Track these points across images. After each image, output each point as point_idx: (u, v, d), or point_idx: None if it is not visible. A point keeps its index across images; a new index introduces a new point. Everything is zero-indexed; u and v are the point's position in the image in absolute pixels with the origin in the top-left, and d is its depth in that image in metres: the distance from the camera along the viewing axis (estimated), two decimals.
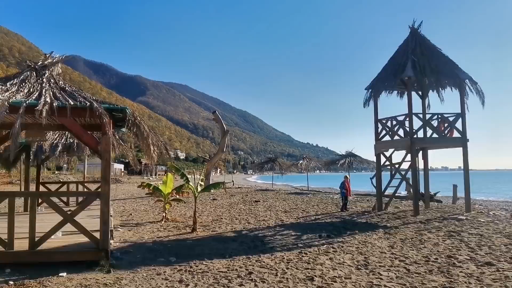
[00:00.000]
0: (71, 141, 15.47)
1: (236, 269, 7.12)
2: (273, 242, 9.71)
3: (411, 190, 21.31)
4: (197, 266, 7.38)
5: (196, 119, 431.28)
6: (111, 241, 9.71)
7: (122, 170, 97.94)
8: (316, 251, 8.56)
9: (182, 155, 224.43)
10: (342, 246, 9.00)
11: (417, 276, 6.44)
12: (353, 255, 8.12)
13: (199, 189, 11.69)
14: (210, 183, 30.76)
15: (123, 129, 8.86)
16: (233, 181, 41.15)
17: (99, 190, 9.03)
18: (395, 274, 6.61)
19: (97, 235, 7.62)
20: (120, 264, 7.64)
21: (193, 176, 13.00)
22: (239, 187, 38.48)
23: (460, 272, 6.61)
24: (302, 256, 8.09)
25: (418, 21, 15.64)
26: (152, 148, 7.94)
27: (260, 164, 45.25)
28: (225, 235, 10.86)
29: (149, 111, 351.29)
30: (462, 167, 14.97)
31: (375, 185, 26.24)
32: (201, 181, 11.81)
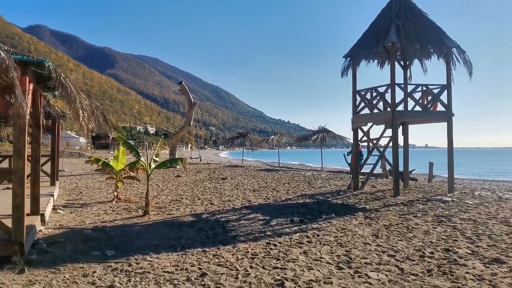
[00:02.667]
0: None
1: (187, 268, 5.60)
2: (237, 229, 8.21)
3: (387, 167, 20.37)
4: (137, 264, 5.82)
5: (167, 93, 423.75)
6: (42, 228, 8.04)
7: (88, 144, 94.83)
8: (287, 241, 7.11)
9: (152, 130, 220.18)
10: (318, 235, 7.59)
11: (415, 280, 5.06)
12: (331, 247, 6.71)
13: (153, 165, 10.02)
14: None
15: (57, 93, 7.11)
16: (200, 157, 39.43)
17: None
18: (387, 275, 5.22)
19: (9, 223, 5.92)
20: (41, 260, 6.01)
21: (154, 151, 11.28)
22: (207, 163, 36.84)
23: (466, 273, 5.27)
24: (271, 248, 6.63)
25: None
26: (81, 114, 6.23)
27: (230, 140, 43.60)
28: (182, 220, 9.30)
29: (118, 84, 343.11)
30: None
31: (349, 161, 25.29)
32: (156, 156, 10.14)
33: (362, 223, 8.71)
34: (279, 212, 10.18)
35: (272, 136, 37.85)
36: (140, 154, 9.90)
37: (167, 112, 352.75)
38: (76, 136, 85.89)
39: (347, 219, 9.16)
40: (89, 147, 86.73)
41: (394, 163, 13.01)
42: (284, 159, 44.05)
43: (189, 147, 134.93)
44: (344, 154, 26.55)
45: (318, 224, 8.66)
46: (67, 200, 12.71)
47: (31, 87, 6.26)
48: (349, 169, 25.90)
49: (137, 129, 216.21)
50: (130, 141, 10.90)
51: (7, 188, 13.03)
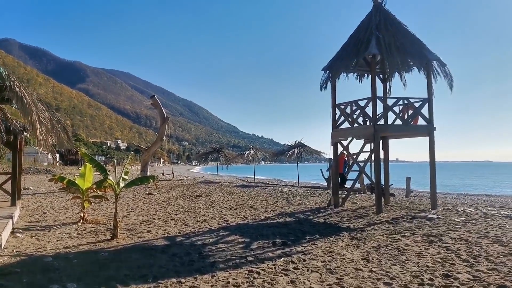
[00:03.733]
0: None
1: None
2: (215, 255, 7.48)
3: (365, 183, 20.01)
4: None
5: (139, 108, 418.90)
6: None
7: (57, 160, 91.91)
8: (271, 268, 6.44)
9: (123, 145, 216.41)
10: (304, 260, 6.94)
11: None
12: (321, 274, 6.07)
13: (121, 184, 9.22)
14: (148, 174, 28.07)
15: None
16: (173, 173, 38.36)
17: None
18: None
19: None
20: None
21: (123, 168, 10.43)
22: (180, 179, 35.81)
23: None
24: (254, 277, 5.94)
25: None
26: (39, 128, 5.46)
27: (204, 155, 42.76)
28: (154, 244, 8.50)
29: (88, 99, 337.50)
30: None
31: (326, 177, 24.89)
32: (125, 174, 9.34)
33: (349, 245, 8.12)
34: (260, 233, 9.50)
35: (248, 151, 37.28)
36: (107, 172, 9.09)
37: (139, 127, 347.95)
38: (44, 152, 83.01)
39: (332, 240, 8.56)
40: (57, 164, 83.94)
41: (376, 179, 12.56)
42: (259, 174, 43.48)
43: (161, 163, 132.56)
44: (321, 169, 26.19)
45: (303, 246, 8.02)
46: (28, 221, 11.70)
47: None
48: (326, 184, 25.53)
49: (108, 144, 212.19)
50: (100, 157, 10.07)
51: None
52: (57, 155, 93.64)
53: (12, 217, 10.43)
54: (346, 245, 8.13)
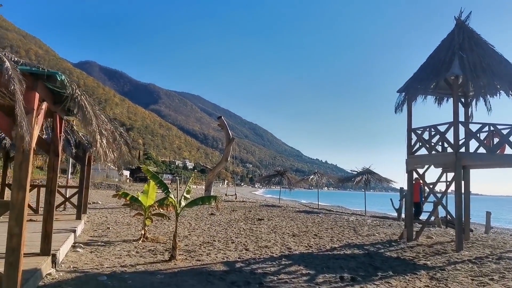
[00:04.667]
0: (64, 136, 12.89)
1: None
2: (277, 287, 6.84)
3: (439, 215, 18.47)
4: None
5: (207, 129, 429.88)
6: (52, 270, 6.94)
7: (128, 176, 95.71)
8: None
9: (190, 165, 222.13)
10: None
11: None
12: None
13: (183, 203, 8.89)
14: (211, 194, 28.04)
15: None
16: (236, 194, 38.21)
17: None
18: None
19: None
20: None
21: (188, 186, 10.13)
22: (243, 201, 35.55)
23: None
24: None
25: (466, 12, 12.91)
26: (98, 140, 5.22)
27: (268, 177, 42.33)
28: (212, 268, 8.02)
29: (160, 119, 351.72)
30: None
31: (396, 207, 23.44)
32: (187, 193, 9.02)
33: (428, 286, 7.14)
34: (325, 265, 8.72)
35: (312, 176, 36.32)
36: (169, 190, 8.81)
37: (206, 148, 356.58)
38: (116, 169, 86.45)
39: (409, 279, 7.60)
40: (127, 180, 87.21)
41: (457, 212, 11.32)
42: (322, 200, 42.17)
43: (225, 183, 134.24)
44: (391, 199, 24.74)
45: (375, 284, 7.16)
46: (91, 236, 11.73)
47: (43, 107, 5.33)
48: (395, 214, 24.03)
49: (176, 163, 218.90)
50: (168, 175, 9.86)
51: (30, 220, 12.27)
52: (128, 172, 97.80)
53: (74, 231, 10.46)
54: (425, 286, 7.16)
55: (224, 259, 9.04)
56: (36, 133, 4.93)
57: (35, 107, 4.78)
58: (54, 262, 7.14)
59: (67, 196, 16.27)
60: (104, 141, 5.35)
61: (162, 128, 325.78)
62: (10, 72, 4.26)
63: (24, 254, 6.60)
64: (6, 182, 14.12)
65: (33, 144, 4.83)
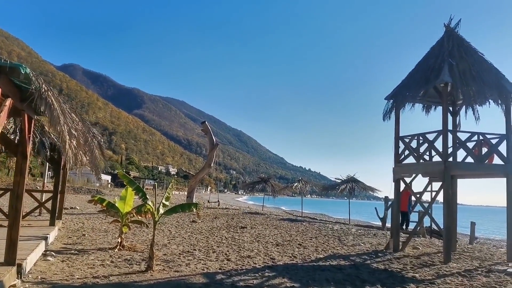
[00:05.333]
0: (38, 137, 12.22)
1: None
2: None
3: (424, 225, 18.27)
4: None
5: (191, 135, 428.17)
6: (17, 281, 6.38)
7: (109, 181, 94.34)
8: None
9: (173, 171, 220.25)
10: None
11: None
12: None
13: (161, 211, 8.39)
14: (194, 201, 27.45)
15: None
16: (218, 201, 37.62)
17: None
18: None
19: None
20: None
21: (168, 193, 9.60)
22: (226, 208, 34.99)
23: None
24: None
25: (456, 19, 12.73)
26: (67, 141, 4.73)
27: (251, 184, 41.77)
28: (191, 281, 7.53)
29: (143, 124, 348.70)
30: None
31: (380, 216, 23.19)
32: (166, 199, 8.52)
33: None
34: (311, 277, 8.30)
35: (296, 183, 35.96)
36: (146, 196, 8.32)
37: (190, 154, 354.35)
38: (93, 173, 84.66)
39: None
40: (108, 185, 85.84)
41: (446, 223, 11.02)
42: (306, 207, 41.79)
43: (208, 190, 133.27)
44: (375, 208, 24.49)
45: None
46: (65, 243, 11.12)
47: (7, 103, 4.82)
48: (379, 223, 23.79)
49: (159, 169, 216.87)
50: (150, 181, 9.34)
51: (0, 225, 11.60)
52: (109, 177, 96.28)
53: (46, 238, 9.87)
54: None
55: (204, 270, 8.56)
56: None
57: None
58: (19, 272, 6.58)
59: (43, 201, 15.55)
60: (74, 142, 4.86)
61: (145, 133, 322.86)
62: None
63: None
64: None
65: None
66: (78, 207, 25.84)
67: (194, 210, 8.44)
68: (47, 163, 18.10)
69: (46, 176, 24.62)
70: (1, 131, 6.57)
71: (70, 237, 12.32)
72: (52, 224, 12.29)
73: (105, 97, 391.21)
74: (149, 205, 8.29)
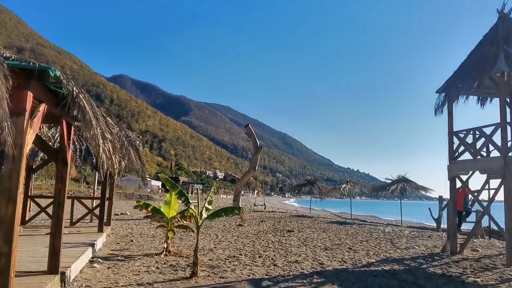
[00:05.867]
0: (85, 144, 12.51)
1: None
2: None
3: (482, 225, 17.16)
4: None
5: (236, 140, 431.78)
6: None
7: (160, 187, 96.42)
8: None
9: (221, 175, 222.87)
10: None
11: None
12: None
13: (204, 215, 8.20)
14: (240, 204, 27.37)
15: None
16: (265, 204, 37.35)
17: None
18: None
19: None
20: None
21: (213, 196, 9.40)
22: (272, 211, 34.68)
23: None
24: None
25: (510, 4, 11.87)
26: (102, 145, 4.61)
27: (298, 187, 41.31)
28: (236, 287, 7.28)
29: (191, 131, 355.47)
30: None
31: (435, 217, 22.09)
32: (209, 203, 8.34)
33: None
34: (363, 284, 7.82)
35: (344, 185, 35.12)
36: (189, 200, 8.16)
37: (236, 158, 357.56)
38: (149, 179, 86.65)
39: None
40: (159, 190, 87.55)
41: (508, 223, 10.19)
42: (355, 209, 40.76)
43: (255, 193, 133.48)
44: (429, 208, 23.39)
45: None
46: (113, 249, 11.19)
47: (41, 109, 4.76)
48: (434, 225, 22.68)
49: (207, 173, 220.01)
50: (198, 185, 9.21)
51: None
52: (160, 182, 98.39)
53: (93, 245, 9.94)
54: None
55: (250, 276, 8.28)
56: (30, 138, 4.35)
57: (27, 108, 4.19)
58: (63, 281, 6.56)
59: (92, 208, 15.90)
60: (108, 146, 4.73)
61: (193, 139, 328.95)
62: None
63: (29, 273, 6.05)
64: (30, 194, 13.84)
65: (26, 150, 4.25)
66: (128, 213, 26.38)
67: (238, 213, 8.19)
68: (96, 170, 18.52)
69: (96, 183, 25.29)
70: (42, 137, 6.60)
71: (118, 243, 12.43)
72: (100, 230, 12.45)
73: (153, 106, 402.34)
74: (192, 209, 8.13)
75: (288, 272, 8.76)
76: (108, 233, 14.04)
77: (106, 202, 14.52)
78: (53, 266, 6.23)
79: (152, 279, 7.72)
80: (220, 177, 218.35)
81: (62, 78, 4.23)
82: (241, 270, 8.82)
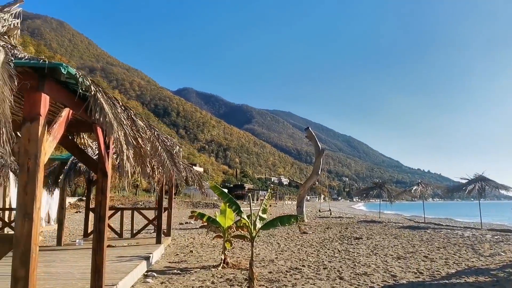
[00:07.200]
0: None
1: None
2: None
3: None
4: None
5: (299, 145, 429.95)
6: None
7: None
8: None
9: (285, 181, 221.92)
10: None
11: None
12: None
13: (258, 225, 7.49)
14: (304, 210, 26.44)
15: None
16: (330, 210, 36.02)
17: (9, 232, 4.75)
18: None
19: None
20: None
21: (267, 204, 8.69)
22: (339, 217, 33.32)
23: None
24: None
25: None
26: (125, 151, 4.05)
27: (366, 190, 39.53)
28: None
29: (254, 138, 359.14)
30: None
31: None
32: (263, 212, 7.63)
33: None
34: None
35: (415, 187, 32.98)
36: (241, 209, 7.49)
37: (300, 164, 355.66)
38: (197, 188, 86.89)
39: None
40: None
41: None
42: (428, 212, 38.16)
43: (321, 198, 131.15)
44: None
45: None
46: (170, 261, 10.79)
47: (63, 114, 4.30)
48: None
49: (272, 180, 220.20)
50: (264, 192, 8.57)
51: (109, 246, 11.72)
52: (225, 190, 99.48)
53: (148, 258, 9.56)
54: None
55: None
56: (48, 146, 3.87)
57: (42, 113, 3.70)
58: None
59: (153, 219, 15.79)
60: (131, 152, 4.15)
61: (256, 146, 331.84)
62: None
63: None
64: (90, 207, 13.89)
65: (43, 160, 3.77)
66: (192, 222, 26.33)
67: (295, 222, 7.39)
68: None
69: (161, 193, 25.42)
70: (80, 147, 6.22)
71: (177, 254, 12.06)
72: (158, 242, 12.14)
73: (217, 116, 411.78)
74: (244, 219, 7.45)
75: (356, 287, 7.81)
76: (168, 244, 13.77)
77: (166, 213, 14.31)
78: (97, 285, 5.79)
79: None
80: (285, 183, 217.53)
81: (77, 75, 3.71)
82: (302, 285, 7.99)
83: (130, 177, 4.42)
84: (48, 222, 19.47)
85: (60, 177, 11.76)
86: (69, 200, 45.75)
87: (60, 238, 11.90)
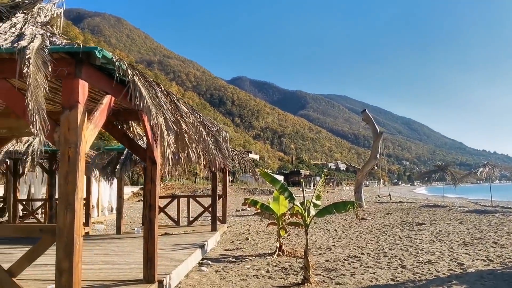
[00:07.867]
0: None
1: None
2: None
3: None
4: None
5: (357, 129, 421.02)
6: None
7: (282, 181, 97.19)
8: None
9: (342, 166, 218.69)
10: None
11: None
12: None
13: (312, 212, 7.17)
14: (362, 196, 25.72)
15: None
16: (390, 195, 34.83)
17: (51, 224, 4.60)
18: None
19: None
20: None
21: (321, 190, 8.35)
22: (400, 202, 32.16)
23: None
24: None
25: None
26: (166, 137, 3.88)
27: (427, 174, 37.96)
28: None
29: (309, 124, 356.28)
30: None
31: None
32: (317, 198, 7.30)
33: None
34: None
35: (481, 169, 31.12)
36: (293, 196, 7.21)
37: (358, 148, 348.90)
38: (271, 174, 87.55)
39: None
40: None
41: None
42: (495, 195, 35.93)
43: (381, 183, 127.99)
44: None
45: None
46: (226, 249, 10.75)
47: (104, 101, 4.19)
48: None
49: (329, 166, 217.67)
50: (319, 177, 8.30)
51: (165, 233, 11.89)
52: (281, 177, 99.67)
53: (203, 246, 9.54)
54: None
55: (372, 282, 7.04)
56: (89, 134, 3.77)
57: (81, 100, 3.59)
58: None
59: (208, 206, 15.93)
60: (173, 137, 3.98)
61: (311, 132, 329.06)
62: (27, 52, 3.12)
63: (125, 282, 5.61)
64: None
65: (84, 149, 3.68)
66: (249, 209, 26.33)
67: (351, 209, 7.00)
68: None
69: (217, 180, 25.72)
70: (129, 135, 6.17)
71: (233, 242, 12.02)
72: (213, 229, 12.15)
73: (271, 103, 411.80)
74: (298, 206, 7.16)
75: (419, 276, 7.31)
76: (224, 231, 13.79)
77: (220, 200, 14.34)
78: (149, 274, 5.75)
79: (260, 285, 6.94)
80: (342, 168, 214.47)
81: (113, 59, 3.56)
82: (362, 274, 7.60)
83: (170, 164, 4.25)
84: (111, 211, 20.17)
85: (117, 167, 12.01)
86: (132, 189, 47.55)
87: (120, 227, 12.21)
